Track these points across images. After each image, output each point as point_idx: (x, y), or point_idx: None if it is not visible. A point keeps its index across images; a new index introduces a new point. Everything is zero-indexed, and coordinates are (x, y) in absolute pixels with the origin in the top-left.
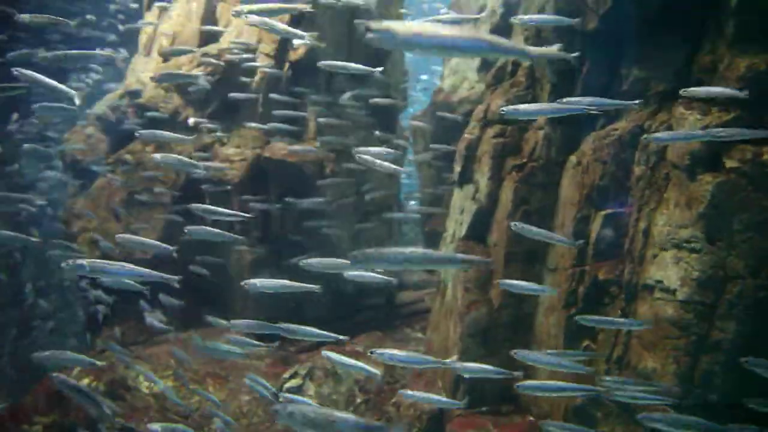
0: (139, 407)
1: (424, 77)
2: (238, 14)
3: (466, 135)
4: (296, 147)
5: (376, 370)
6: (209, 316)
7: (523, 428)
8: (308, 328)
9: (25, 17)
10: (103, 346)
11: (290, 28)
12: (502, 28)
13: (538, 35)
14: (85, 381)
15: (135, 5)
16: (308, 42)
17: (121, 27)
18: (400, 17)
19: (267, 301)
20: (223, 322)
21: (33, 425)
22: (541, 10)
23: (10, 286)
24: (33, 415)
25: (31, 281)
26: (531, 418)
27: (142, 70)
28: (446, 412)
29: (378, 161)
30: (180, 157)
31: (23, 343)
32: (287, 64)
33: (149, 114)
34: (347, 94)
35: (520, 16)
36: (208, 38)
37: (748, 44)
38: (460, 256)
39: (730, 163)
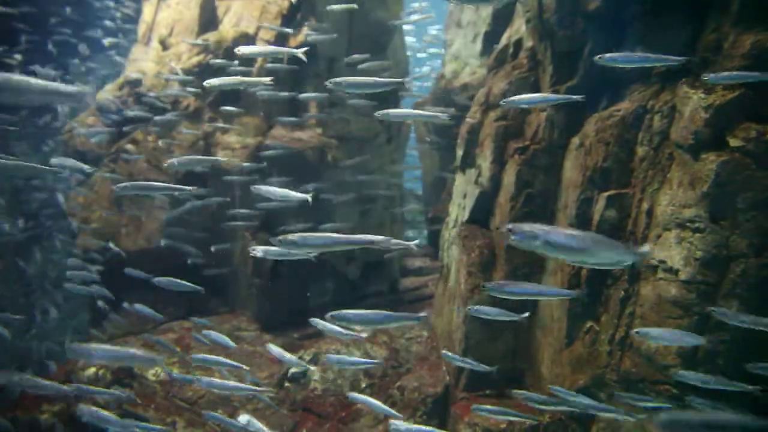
0: (146, 395)
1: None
2: None
3: (468, 119)
4: (298, 134)
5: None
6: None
7: (527, 410)
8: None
9: None
10: (108, 336)
11: None
12: (504, 12)
13: (540, 16)
14: (92, 370)
15: None
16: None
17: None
18: (399, 9)
19: (272, 287)
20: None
21: (42, 413)
22: None
23: (14, 280)
24: (41, 404)
25: (35, 274)
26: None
27: (142, 59)
28: (451, 396)
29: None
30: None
31: (28, 335)
32: None
33: (147, 100)
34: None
35: None
36: (207, 25)
37: (754, 21)
38: None
39: (734, 142)
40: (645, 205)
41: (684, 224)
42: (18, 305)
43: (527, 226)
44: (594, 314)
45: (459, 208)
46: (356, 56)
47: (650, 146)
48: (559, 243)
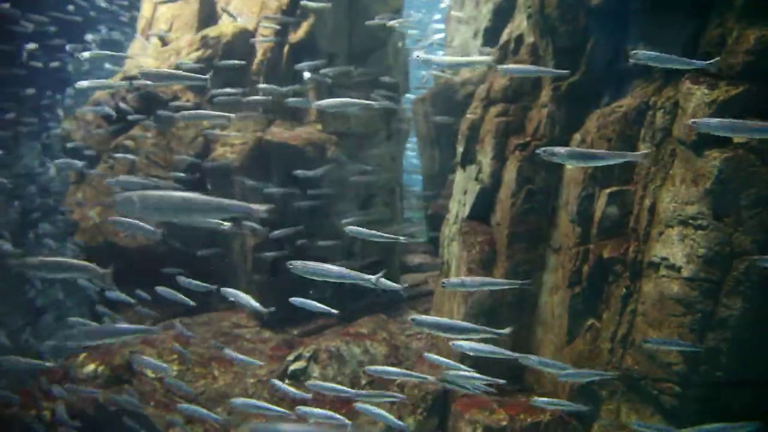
0: (145, 391)
1: None
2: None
3: (468, 115)
4: (298, 130)
5: None
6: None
7: (528, 407)
8: None
9: None
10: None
11: None
12: (505, 8)
13: (541, 12)
14: (91, 367)
15: None
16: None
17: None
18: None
19: (271, 284)
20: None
21: (41, 411)
22: None
23: (16, 276)
24: (41, 402)
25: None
26: (535, 397)
27: (141, 55)
28: (451, 393)
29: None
30: None
31: (29, 331)
32: (287, 46)
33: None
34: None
35: None
36: (206, 21)
37: (759, 16)
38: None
39: (737, 139)
40: (647, 202)
41: (687, 221)
42: (19, 302)
43: (130, 194)
44: (595, 311)
45: (459, 205)
46: (308, 63)
47: (652, 143)
48: (152, 204)
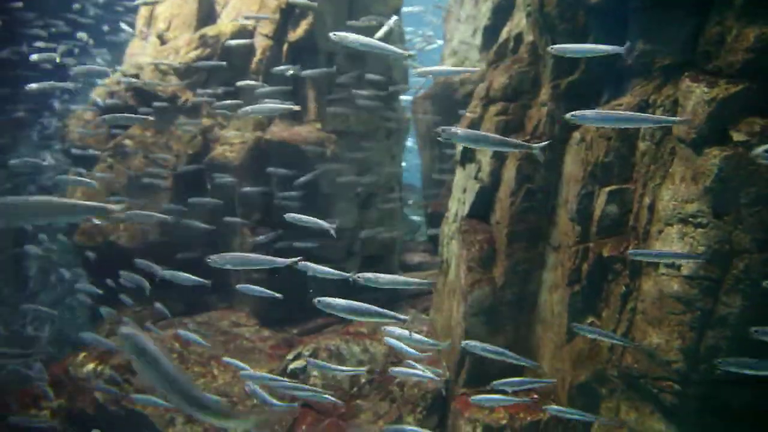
0: (144, 391)
1: None
2: None
3: (468, 114)
4: (297, 129)
5: None
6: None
7: (527, 406)
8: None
9: None
10: (106, 333)
11: None
12: (504, 6)
13: (541, 10)
14: (91, 366)
15: None
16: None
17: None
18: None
19: (270, 284)
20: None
21: (41, 410)
22: None
23: (15, 276)
24: (40, 401)
25: (35, 271)
26: (535, 396)
27: (140, 54)
28: (451, 391)
29: None
30: None
31: (30, 318)
32: (286, 45)
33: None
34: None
35: None
36: (205, 20)
37: (758, 14)
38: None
39: (737, 137)
40: (647, 200)
41: (686, 219)
42: (19, 300)
43: None
44: (595, 310)
45: (459, 203)
46: (280, 68)
47: (652, 141)
48: (7, 210)
